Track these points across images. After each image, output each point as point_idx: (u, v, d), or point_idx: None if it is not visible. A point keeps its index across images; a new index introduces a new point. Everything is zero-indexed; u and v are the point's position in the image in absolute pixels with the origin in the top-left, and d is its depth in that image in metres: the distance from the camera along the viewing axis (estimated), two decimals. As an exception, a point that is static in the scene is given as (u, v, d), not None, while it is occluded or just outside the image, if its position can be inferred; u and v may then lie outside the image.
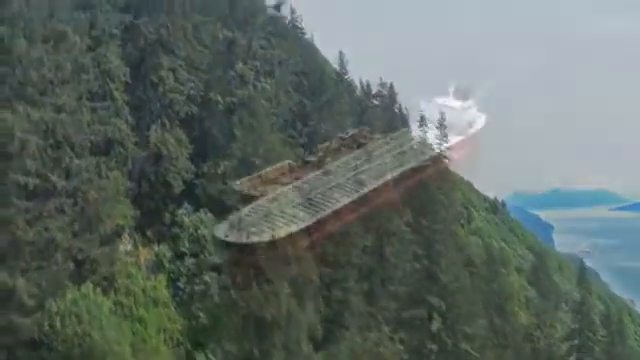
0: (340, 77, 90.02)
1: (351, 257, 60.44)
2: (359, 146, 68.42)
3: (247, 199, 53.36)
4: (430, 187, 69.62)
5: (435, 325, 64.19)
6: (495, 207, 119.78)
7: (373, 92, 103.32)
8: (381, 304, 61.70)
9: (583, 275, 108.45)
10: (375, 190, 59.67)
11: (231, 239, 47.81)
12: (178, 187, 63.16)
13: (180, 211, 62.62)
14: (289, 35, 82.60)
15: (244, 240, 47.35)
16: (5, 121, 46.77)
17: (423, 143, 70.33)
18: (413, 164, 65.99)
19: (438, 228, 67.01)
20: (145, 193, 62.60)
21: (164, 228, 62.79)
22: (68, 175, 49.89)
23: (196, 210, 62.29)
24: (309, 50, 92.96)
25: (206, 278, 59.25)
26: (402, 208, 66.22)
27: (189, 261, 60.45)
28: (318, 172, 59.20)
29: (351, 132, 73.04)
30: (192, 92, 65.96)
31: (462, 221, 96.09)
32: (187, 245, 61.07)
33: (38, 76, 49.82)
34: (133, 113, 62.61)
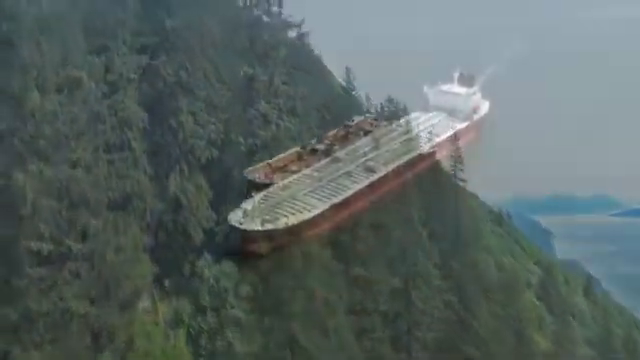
0: (348, 93, 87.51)
1: (379, 304, 58.34)
2: (365, 134, 69.52)
3: (258, 187, 55.06)
4: (462, 229, 67.71)
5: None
6: (500, 218, 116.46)
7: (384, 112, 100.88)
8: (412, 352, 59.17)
9: (593, 294, 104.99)
10: (384, 176, 61.14)
11: (245, 227, 48.59)
12: (198, 237, 59.72)
13: (200, 262, 59.46)
14: (311, 67, 79.04)
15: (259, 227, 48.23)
16: (16, 182, 43.84)
17: (429, 130, 72.62)
18: (420, 151, 67.20)
19: (469, 273, 64.35)
20: (163, 244, 59.20)
21: (183, 280, 59.46)
22: (84, 236, 46.81)
23: (217, 261, 59.17)
24: (324, 74, 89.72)
25: (228, 334, 56.37)
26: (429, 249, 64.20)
27: (210, 316, 57.51)
28: (327, 159, 60.84)
29: (356, 120, 73.07)
30: (212, 135, 62.52)
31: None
32: (208, 299, 57.90)
33: (52, 130, 46.92)
34: (151, 159, 59.35)
